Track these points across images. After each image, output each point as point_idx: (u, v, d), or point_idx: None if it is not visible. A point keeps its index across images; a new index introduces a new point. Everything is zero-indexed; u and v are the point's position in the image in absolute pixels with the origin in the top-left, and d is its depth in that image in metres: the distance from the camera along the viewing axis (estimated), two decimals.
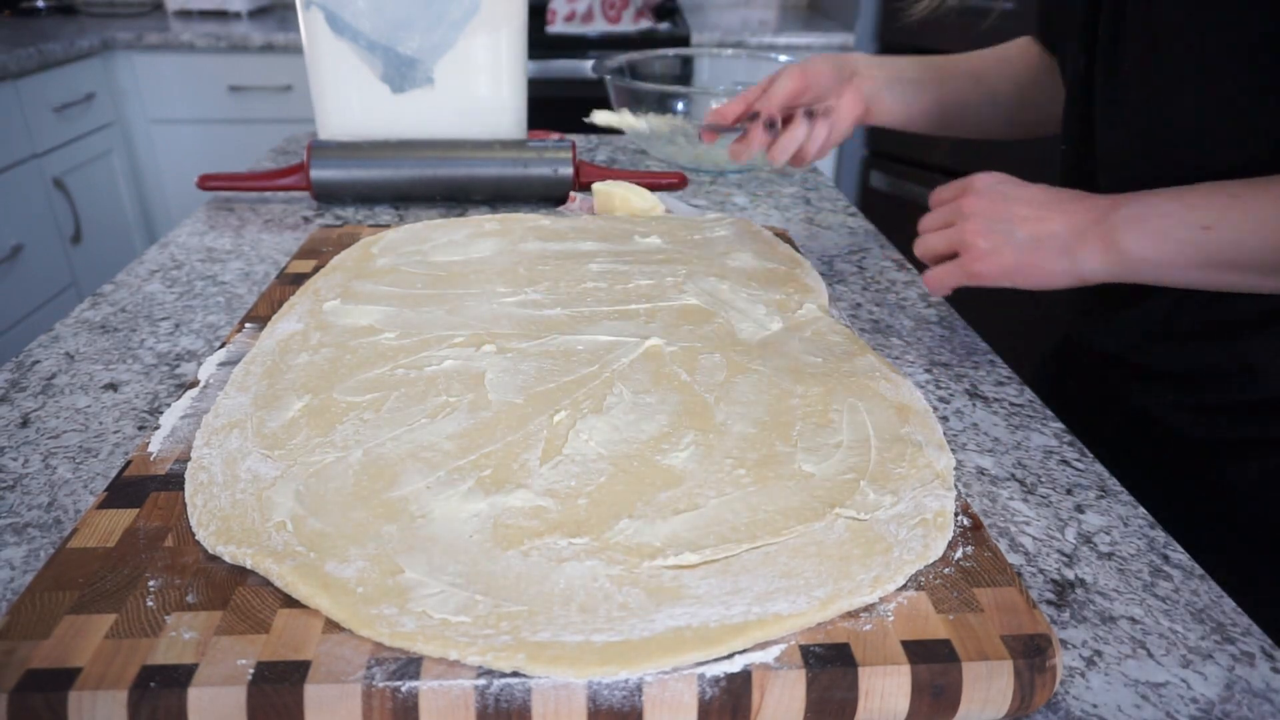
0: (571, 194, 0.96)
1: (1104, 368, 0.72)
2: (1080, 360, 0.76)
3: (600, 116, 0.97)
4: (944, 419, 0.59)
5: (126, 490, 0.45)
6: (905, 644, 0.37)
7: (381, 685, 0.34)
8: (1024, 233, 0.56)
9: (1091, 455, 0.56)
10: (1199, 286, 0.55)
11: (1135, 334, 0.68)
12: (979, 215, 0.57)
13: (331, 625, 0.37)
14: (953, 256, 0.60)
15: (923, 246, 0.62)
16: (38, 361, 0.64)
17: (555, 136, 1.05)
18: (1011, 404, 0.61)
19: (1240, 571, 0.48)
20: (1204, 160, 0.57)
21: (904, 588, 0.40)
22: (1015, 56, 0.85)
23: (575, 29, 2.22)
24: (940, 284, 0.60)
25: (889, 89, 0.85)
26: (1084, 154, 0.68)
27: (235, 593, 0.39)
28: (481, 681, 0.35)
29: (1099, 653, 0.40)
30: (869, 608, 0.39)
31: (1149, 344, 0.67)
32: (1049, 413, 0.60)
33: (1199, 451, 0.64)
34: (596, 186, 0.92)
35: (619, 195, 0.90)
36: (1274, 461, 0.60)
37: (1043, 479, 0.53)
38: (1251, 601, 0.44)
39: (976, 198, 0.58)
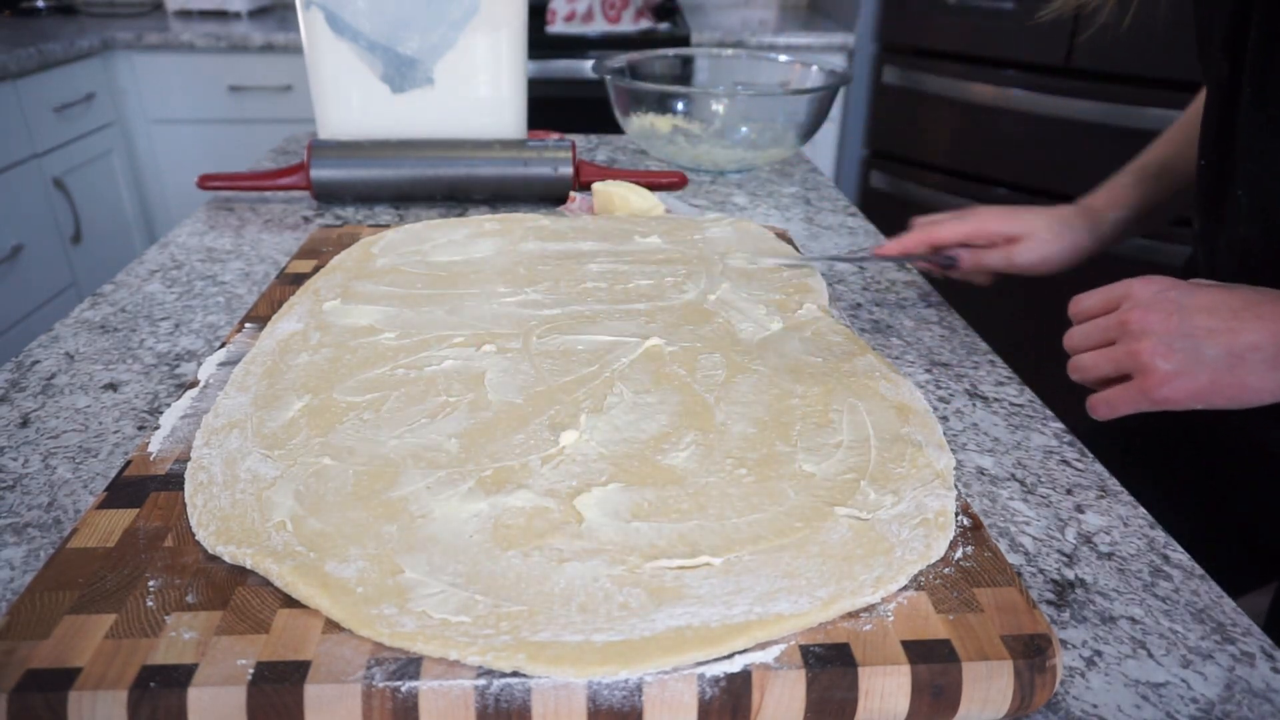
0: (571, 194, 0.96)
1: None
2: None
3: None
4: (944, 419, 0.59)
5: (126, 490, 0.45)
6: (905, 644, 0.37)
7: (381, 685, 0.34)
8: (1215, 348, 0.47)
9: (1091, 455, 0.56)
10: None
11: None
12: (1153, 333, 0.48)
13: (331, 625, 0.37)
14: (1122, 377, 0.52)
15: (1081, 370, 0.53)
16: (38, 361, 0.64)
17: (555, 136, 1.05)
18: (1011, 404, 0.61)
19: None
20: None
21: (904, 588, 0.40)
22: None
23: (575, 29, 2.22)
24: (1112, 409, 0.51)
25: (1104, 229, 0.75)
26: (1223, 169, 0.63)
27: (235, 593, 0.39)
28: (481, 681, 0.35)
29: (1099, 653, 0.40)
30: (869, 608, 0.39)
31: None
32: (1049, 413, 0.60)
33: None
34: (596, 186, 0.92)
35: (619, 195, 0.90)
36: None
37: (1043, 479, 0.53)
38: None
39: (1144, 312, 0.49)
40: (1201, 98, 0.74)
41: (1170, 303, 0.49)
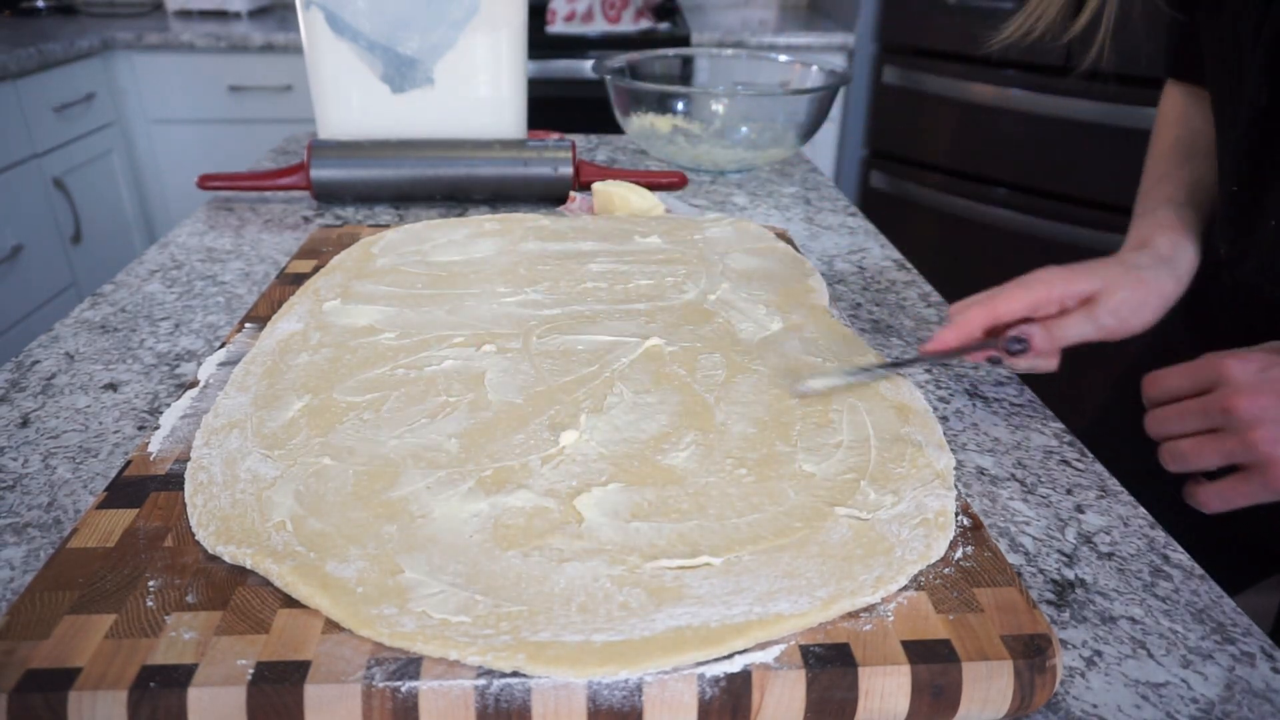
0: (571, 194, 0.96)
1: None
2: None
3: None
4: (944, 419, 0.59)
5: (126, 490, 0.45)
6: (905, 644, 0.37)
7: (381, 685, 0.34)
8: None
9: (1091, 455, 0.56)
10: None
11: None
12: (1268, 420, 0.45)
13: (331, 625, 0.37)
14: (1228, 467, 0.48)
15: (1182, 460, 0.49)
16: (38, 361, 0.64)
17: (555, 136, 1.05)
18: (1011, 404, 0.61)
19: None
20: None
21: (904, 588, 0.40)
22: (1184, 113, 0.72)
23: (575, 29, 2.22)
24: (1228, 503, 0.48)
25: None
26: (1258, 198, 0.60)
27: (235, 593, 0.39)
28: (481, 681, 0.35)
29: (1099, 653, 0.40)
30: (869, 608, 0.39)
31: None
32: (1049, 413, 0.60)
33: None
34: (596, 186, 0.92)
35: (619, 195, 0.90)
36: None
37: (1043, 479, 0.53)
38: None
39: (1253, 397, 0.45)
40: (1172, 112, 0.73)
41: (1277, 383, 0.45)
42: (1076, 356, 0.61)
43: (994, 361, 0.58)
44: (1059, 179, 1.86)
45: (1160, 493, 0.52)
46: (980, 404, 0.61)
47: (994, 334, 0.57)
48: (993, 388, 0.63)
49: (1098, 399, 0.82)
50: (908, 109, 2.15)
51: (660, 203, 0.91)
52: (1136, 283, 0.58)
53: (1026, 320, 0.57)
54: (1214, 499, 0.48)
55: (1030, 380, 0.65)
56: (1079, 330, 0.57)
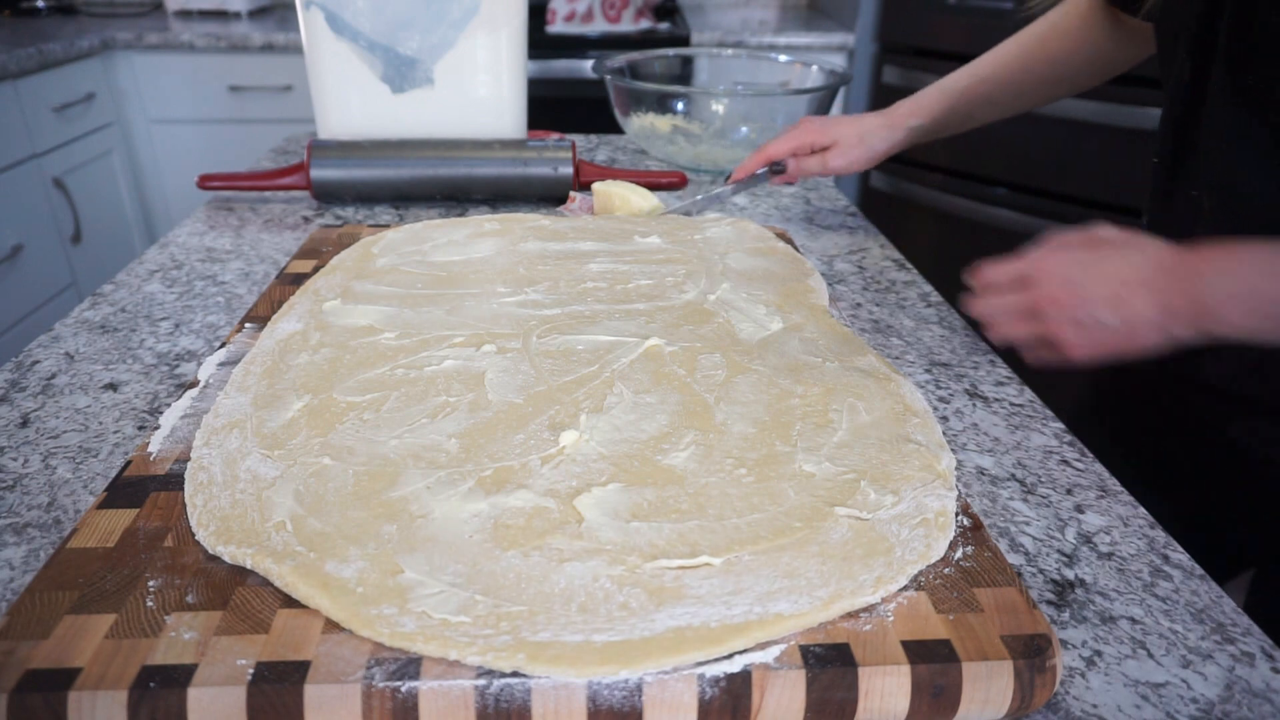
0: (571, 194, 0.96)
1: (1193, 395, 0.69)
2: (1162, 386, 0.73)
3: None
4: (944, 419, 0.59)
5: (126, 490, 0.45)
6: (905, 644, 0.37)
7: (381, 685, 0.34)
8: (1112, 318, 0.52)
9: (1091, 455, 0.56)
10: None
11: (1237, 365, 0.64)
12: (1058, 313, 0.53)
13: (331, 625, 0.37)
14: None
15: (1002, 337, 0.58)
16: (38, 361, 0.64)
17: (555, 136, 1.05)
18: (1011, 404, 0.61)
19: None
20: None
21: (904, 588, 0.40)
22: (1075, 28, 0.80)
23: (575, 29, 2.22)
24: (1042, 364, 0.58)
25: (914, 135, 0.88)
26: (1178, 170, 0.65)
27: (235, 593, 0.39)
28: (481, 681, 0.35)
29: (1099, 653, 0.40)
30: (869, 608, 0.39)
31: (1252, 377, 0.64)
32: (1049, 413, 0.60)
33: None
34: (596, 186, 0.92)
35: (618, 195, 0.90)
36: None
37: (1043, 479, 0.53)
38: None
39: (1051, 295, 0.54)
40: (1029, 33, 0.84)
41: (1070, 284, 0.54)
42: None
43: (773, 179, 0.91)
44: (1059, 179, 1.86)
45: (1137, 494, 0.53)
46: (980, 404, 0.61)
47: (770, 164, 0.91)
48: (993, 388, 0.63)
49: (1073, 403, 0.85)
50: None
51: (660, 203, 0.91)
52: (859, 143, 0.87)
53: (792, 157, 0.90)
54: (1034, 362, 0.58)
55: (1030, 380, 0.65)
56: (815, 168, 0.89)
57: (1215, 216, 0.62)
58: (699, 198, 0.94)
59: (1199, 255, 0.51)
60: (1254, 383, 0.64)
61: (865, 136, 0.86)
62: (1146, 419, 0.75)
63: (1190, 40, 0.61)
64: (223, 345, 0.61)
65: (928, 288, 0.80)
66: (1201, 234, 0.61)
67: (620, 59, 1.21)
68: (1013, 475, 0.53)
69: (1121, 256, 0.54)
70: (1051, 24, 0.81)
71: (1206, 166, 0.62)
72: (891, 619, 0.38)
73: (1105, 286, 0.53)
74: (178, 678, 0.34)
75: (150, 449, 0.49)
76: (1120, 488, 0.52)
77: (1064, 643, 0.41)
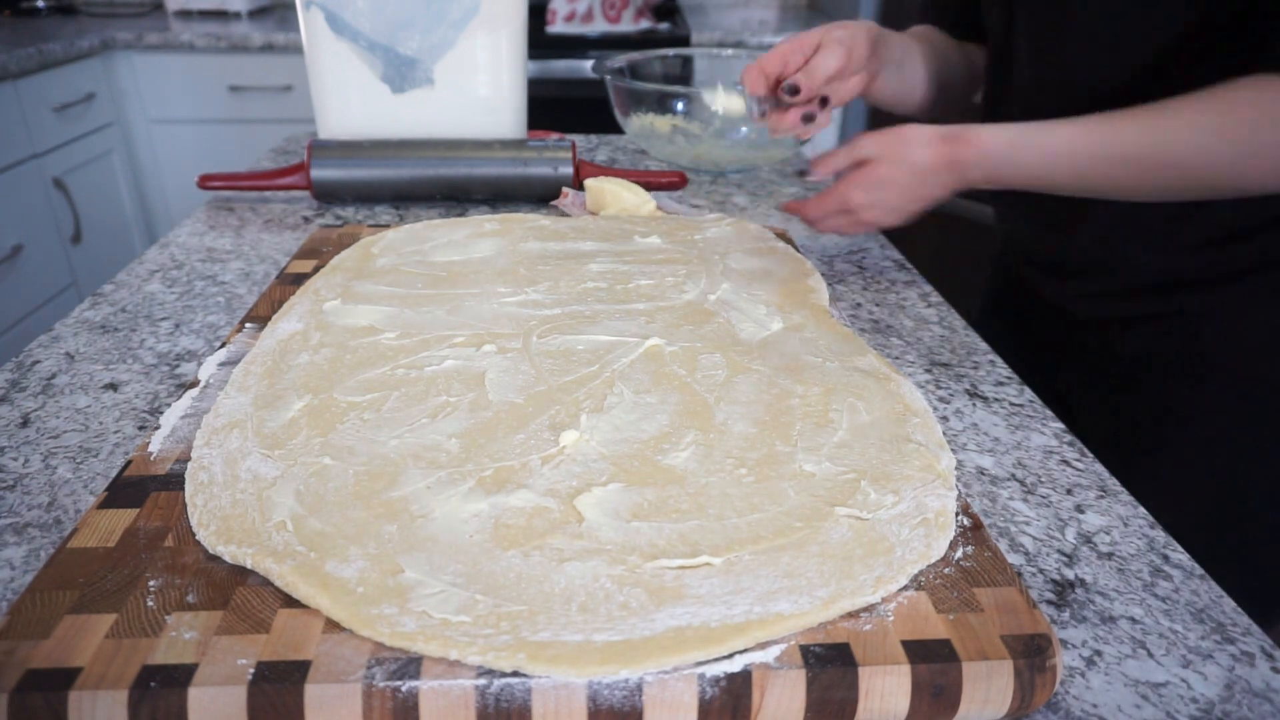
0: (565, 189, 0.96)
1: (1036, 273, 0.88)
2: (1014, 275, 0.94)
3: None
4: (944, 419, 0.59)
5: (126, 490, 0.45)
6: (905, 644, 0.37)
7: (381, 685, 0.34)
8: (902, 200, 0.72)
9: (1091, 455, 0.56)
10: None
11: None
12: (866, 206, 0.72)
13: (331, 625, 0.37)
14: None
15: (820, 228, 0.78)
16: (38, 361, 0.64)
17: (555, 136, 1.05)
18: (1011, 404, 0.61)
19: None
20: (1095, 76, 0.71)
21: (904, 587, 0.40)
22: (937, 38, 0.92)
23: (575, 29, 2.22)
24: (832, 229, 0.77)
25: (887, 70, 0.87)
26: (998, 111, 0.81)
27: (235, 593, 0.39)
28: (482, 681, 0.35)
29: (1099, 653, 0.40)
30: (869, 607, 0.39)
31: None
32: (1049, 413, 0.60)
33: (1095, 330, 0.82)
34: (589, 182, 0.92)
35: (610, 191, 0.90)
36: (1146, 330, 0.77)
37: (1043, 479, 0.53)
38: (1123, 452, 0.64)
39: (861, 194, 0.72)
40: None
41: (875, 183, 0.71)
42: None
43: (806, 119, 0.80)
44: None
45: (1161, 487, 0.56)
46: (980, 404, 0.61)
47: (779, 88, 0.79)
48: (993, 388, 0.63)
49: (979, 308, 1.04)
50: None
51: (651, 198, 0.91)
52: (843, 36, 0.81)
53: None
54: (826, 226, 0.77)
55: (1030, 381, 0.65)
56: (831, 64, 0.78)
57: None
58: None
59: (960, 146, 0.68)
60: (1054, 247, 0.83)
61: (850, 38, 0.79)
62: (1023, 307, 0.91)
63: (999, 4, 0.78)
64: (223, 345, 0.61)
65: (928, 288, 0.80)
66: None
67: (620, 59, 1.21)
68: (1013, 475, 0.53)
69: (924, 164, 0.69)
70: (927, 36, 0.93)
71: (1018, 111, 0.75)
72: (891, 619, 0.38)
73: (901, 189, 0.71)
74: (178, 677, 0.34)
75: (150, 449, 0.49)
76: (1120, 487, 0.52)
77: (1064, 642, 0.41)
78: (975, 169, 0.68)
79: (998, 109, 0.82)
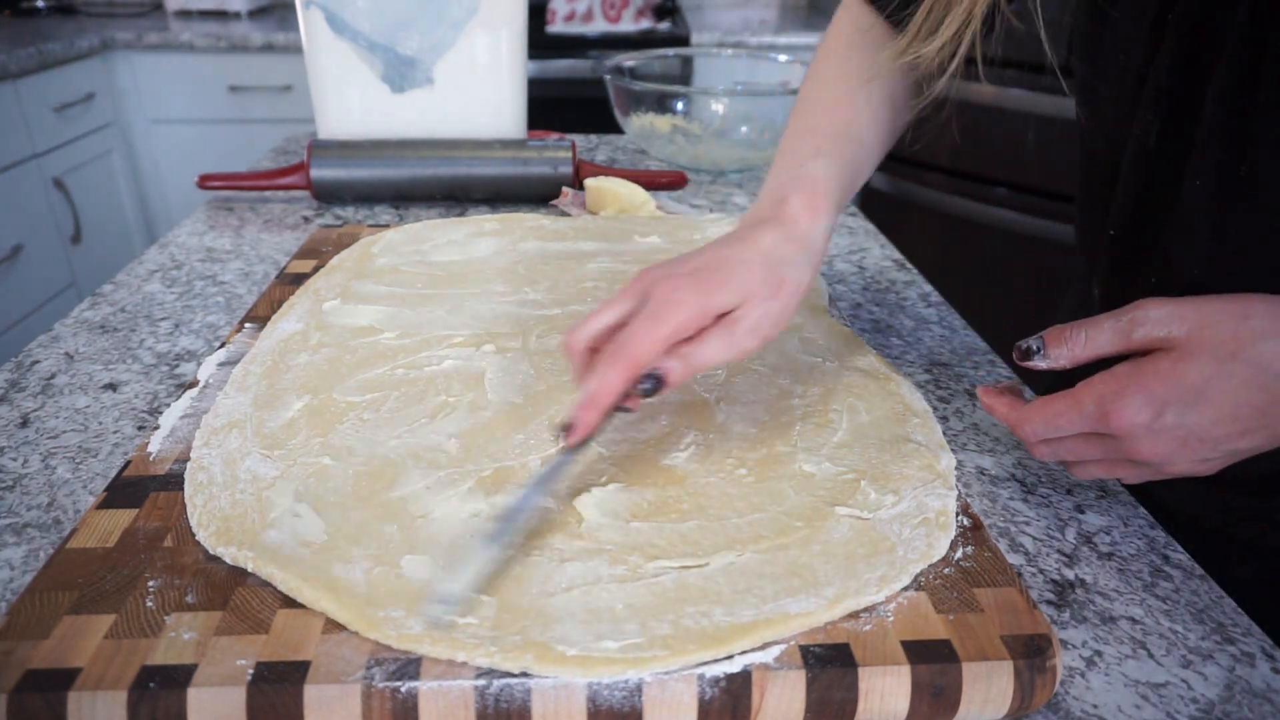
0: (564, 189, 0.96)
1: None
2: None
3: None
4: (944, 419, 0.59)
5: (126, 490, 0.45)
6: (905, 644, 0.37)
7: (381, 685, 0.34)
8: (1230, 446, 0.41)
9: None
10: None
11: None
12: (1174, 462, 0.42)
13: (331, 625, 0.37)
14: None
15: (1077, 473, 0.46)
16: (37, 361, 0.64)
17: (555, 136, 1.05)
18: None
19: None
20: None
21: (904, 588, 0.40)
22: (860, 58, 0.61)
23: (575, 29, 2.22)
24: (1088, 475, 0.47)
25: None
26: (1140, 249, 0.55)
27: (235, 593, 0.39)
28: (481, 682, 0.35)
29: (1099, 653, 0.40)
30: (869, 608, 0.39)
31: None
32: None
33: None
34: (589, 182, 0.92)
35: (608, 190, 0.90)
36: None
37: (1043, 479, 0.53)
38: None
39: (1153, 445, 0.41)
40: (836, 40, 0.64)
41: (1177, 430, 0.40)
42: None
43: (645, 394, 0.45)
44: (1059, 179, 1.86)
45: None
46: (980, 404, 0.61)
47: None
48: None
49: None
50: None
51: (650, 198, 0.91)
52: (777, 288, 0.47)
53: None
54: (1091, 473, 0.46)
55: (1032, 381, 0.65)
56: (716, 353, 0.45)
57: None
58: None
59: None
60: None
61: (784, 276, 0.47)
62: None
63: (1157, 94, 0.50)
64: (223, 345, 0.61)
65: (928, 288, 0.80)
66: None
67: (620, 59, 1.21)
68: (1013, 475, 0.53)
69: (1231, 379, 0.39)
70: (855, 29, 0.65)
71: (1177, 255, 0.52)
72: (891, 619, 0.38)
73: (1233, 424, 0.40)
74: (178, 678, 0.34)
75: (150, 449, 0.49)
76: (1120, 487, 0.52)
77: (1064, 643, 0.41)
78: None
79: (1146, 221, 0.54)
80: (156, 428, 0.51)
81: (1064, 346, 0.43)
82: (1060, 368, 0.44)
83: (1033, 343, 0.44)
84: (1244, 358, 0.39)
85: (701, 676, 0.35)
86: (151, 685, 0.34)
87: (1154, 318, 0.41)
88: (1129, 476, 0.44)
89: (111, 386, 0.60)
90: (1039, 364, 0.44)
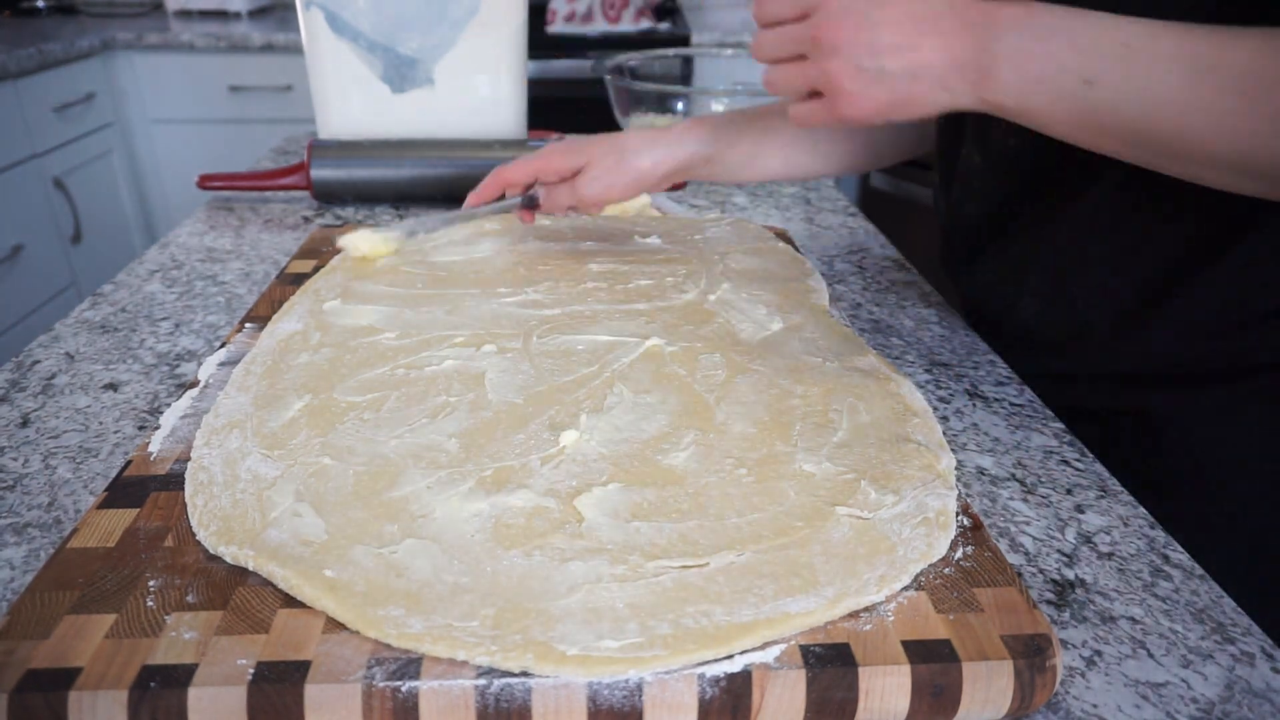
0: None
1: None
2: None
3: (350, 241, 0.74)
4: (944, 419, 0.59)
5: (127, 490, 0.45)
6: (905, 644, 0.37)
7: (381, 685, 0.34)
8: (896, 66, 0.48)
9: (1091, 455, 0.56)
10: (1065, 140, 0.49)
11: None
12: (842, 51, 0.48)
13: (331, 625, 0.37)
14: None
15: (777, 86, 0.53)
16: (38, 361, 0.64)
17: (555, 136, 1.05)
18: (1011, 404, 0.61)
19: None
20: None
21: (904, 587, 0.40)
22: None
23: (575, 29, 2.22)
24: (806, 122, 0.53)
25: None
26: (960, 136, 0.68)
27: (235, 592, 0.39)
28: (481, 681, 0.35)
29: (1099, 653, 0.40)
30: (869, 607, 0.39)
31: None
32: (1049, 413, 0.60)
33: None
34: None
35: None
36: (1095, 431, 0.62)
37: (1043, 479, 0.53)
38: None
39: (836, 26, 0.48)
40: None
41: (860, 16, 0.48)
42: None
43: (522, 214, 0.73)
44: None
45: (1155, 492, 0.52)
46: (980, 404, 0.61)
47: (512, 193, 0.73)
48: (993, 388, 0.63)
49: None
50: None
51: (647, 198, 0.91)
52: (617, 163, 0.68)
53: (537, 184, 0.72)
54: (797, 118, 0.53)
55: (1029, 379, 0.65)
56: (565, 199, 0.70)
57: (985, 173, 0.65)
58: (425, 216, 0.79)
59: (995, 4, 0.47)
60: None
61: (626, 154, 0.68)
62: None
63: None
64: (223, 345, 0.61)
65: (928, 288, 0.80)
66: (976, 187, 0.67)
67: (620, 59, 1.21)
68: (1013, 475, 0.53)
69: None
70: None
71: (979, 130, 0.64)
72: (891, 619, 0.38)
73: (896, 30, 0.47)
74: (178, 678, 0.34)
75: (150, 449, 0.49)
76: (1120, 488, 0.52)
77: (1064, 643, 0.41)
78: (1010, 21, 0.46)
79: None
80: (157, 427, 0.51)
81: None
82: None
83: None
84: None
85: (702, 676, 0.35)
86: (152, 685, 0.34)
87: None
88: (817, 109, 0.51)
89: (112, 386, 0.60)
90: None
